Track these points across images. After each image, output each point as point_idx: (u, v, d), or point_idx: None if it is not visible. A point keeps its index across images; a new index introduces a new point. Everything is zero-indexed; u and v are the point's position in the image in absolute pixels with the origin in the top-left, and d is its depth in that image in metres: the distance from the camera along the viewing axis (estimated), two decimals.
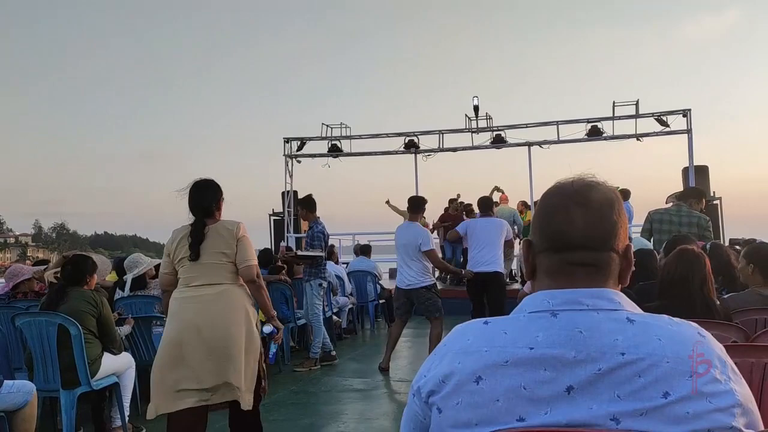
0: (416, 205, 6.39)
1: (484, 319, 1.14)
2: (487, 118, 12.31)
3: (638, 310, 1.09)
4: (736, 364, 1.83)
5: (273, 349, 4.02)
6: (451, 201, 11.96)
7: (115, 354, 4.27)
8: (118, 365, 4.32)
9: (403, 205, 12.29)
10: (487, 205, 6.93)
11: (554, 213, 1.13)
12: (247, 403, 3.14)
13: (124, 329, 4.61)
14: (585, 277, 1.10)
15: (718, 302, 2.79)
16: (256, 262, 3.28)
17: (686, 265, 2.74)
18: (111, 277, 8.01)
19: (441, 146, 12.62)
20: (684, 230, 5.09)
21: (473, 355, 1.07)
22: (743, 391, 0.99)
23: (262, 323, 3.51)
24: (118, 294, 5.50)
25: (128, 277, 5.36)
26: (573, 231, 1.10)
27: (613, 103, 11.53)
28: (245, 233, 3.28)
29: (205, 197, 3.28)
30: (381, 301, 9.94)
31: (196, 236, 3.19)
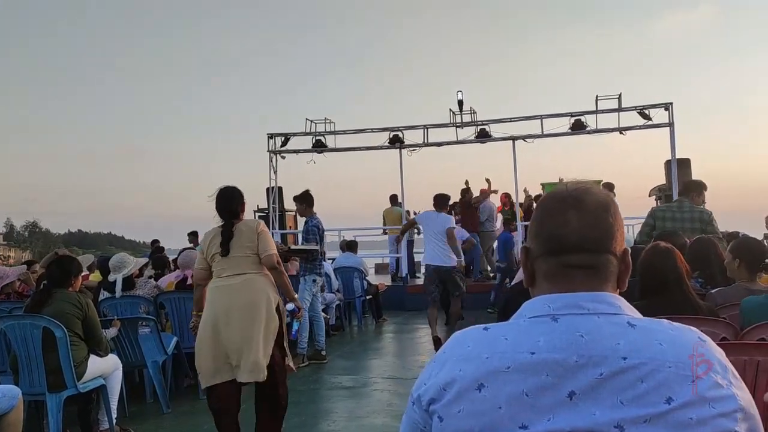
0: (443, 201, 7.42)
1: (483, 325, 1.14)
2: (471, 113, 12.31)
3: (638, 314, 1.09)
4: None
5: (295, 326, 4.82)
6: (464, 192, 12.11)
7: (101, 356, 4.23)
8: (105, 367, 4.28)
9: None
10: (440, 202, 7.40)
11: (550, 216, 1.13)
12: (259, 374, 3.63)
13: (111, 332, 4.56)
14: (584, 280, 1.10)
15: (696, 296, 2.80)
16: (275, 251, 3.84)
17: (659, 263, 2.76)
18: (95, 277, 7.93)
19: (426, 141, 12.59)
20: (687, 225, 5.10)
21: (474, 361, 1.06)
22: (744, 395, 1.00)
23: (285, 302, 4.09)
24: (103, 295, 5.44)
25: (117, 278, 5.30)
26: (569, 233, 1.10)
27: (596, 97, 11.56)
28: (264, 228, 3.88)
29: (231, 203, 3.88)
30: (368, 297, 9.93)
31: (225, 235, 3.77)
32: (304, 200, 6.60)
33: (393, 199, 13.34)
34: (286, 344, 3.92)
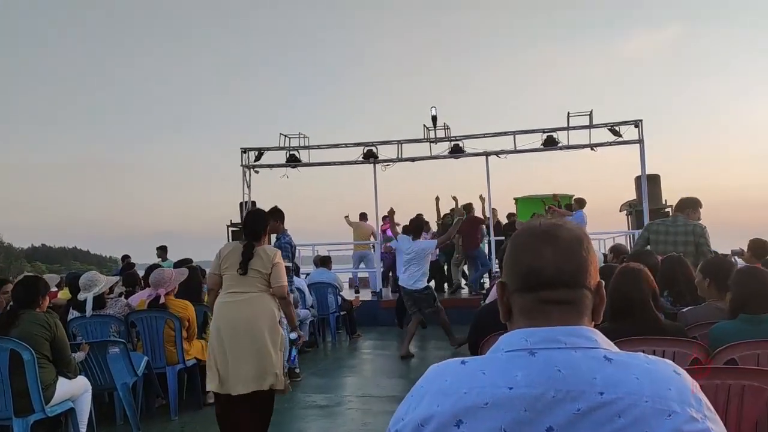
0: (419, 229, 7.92)
1: (460, 359, 1.14)
2: (445, 129, 12.39)
3: (614, 347, 1.11)
4: (701, 386, 1.87)
5: (294, 352, 5.41)
6: (468, 208, 11.95)
7: (70, 378, 4.13)
8: (74, 390, 4.18)
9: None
10: (416, 230, 7.87)
11: (524, 252, 1.15)
12: (274, 383, 3.97)
13: (79, 355, 4.46)
14: (560, 315, 1.11)
15: (660, 318, 2.83)
16: (286, 282, 4.13)
17: (625, 284, 2.79)
18: (64, 295, 7.77)
19: (400, 156, 12.65)
20: (680, 239, 5.25)
21: (452, 396, 1.06)
22: (718, 429, 1.01)
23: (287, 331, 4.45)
24: (73, 314, 5.33)
25: (88, 297, 5.19)
26: (544, 268, 1.11)
27: (568, 113, 11.74)
28: (280, 260, 4.14)
29: (256, 226, 4.19)
30: (342, 313, 9.87)
31: (246, 255, 4.04)
32: (276, 216, 6.52)
33: (362, 216, 13.32)
34: (281, 362, 4.14)
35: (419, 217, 8.92)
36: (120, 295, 6.40)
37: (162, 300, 5.29)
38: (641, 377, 1.02)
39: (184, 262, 6.93)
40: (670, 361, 1.09)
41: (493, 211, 12.66)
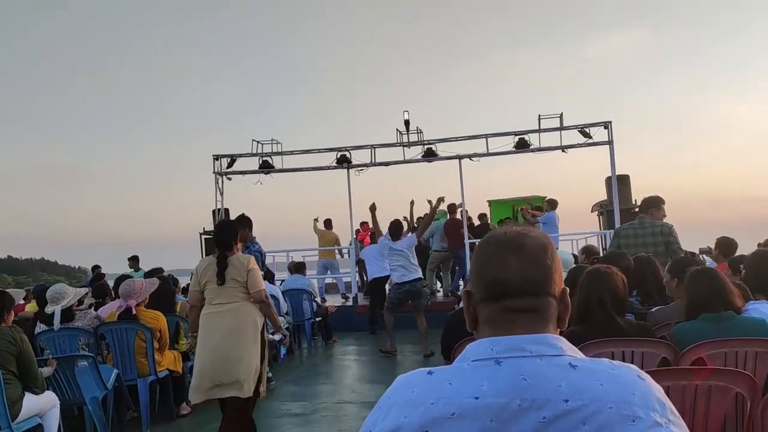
0: (398, 232, 8.37)
1: (427, 369, 1.14)
2: (418, 132, 12.40)
3: (579, 354, 1.11)
4: (667, 387, 1.89)
5: (283, 351, 5.74)
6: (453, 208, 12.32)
7: (37, 393, 4.04)
8: (41, 405, 4.09)
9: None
10: (397, 233, 8.35)
11: (489, 261, 1.15)
12: (246, 391, 4.08)
13: (46, 371, 4.36)
14: (526, 324, 1.12)
15: (623, 320, 2.86)
16: (263, 287, 4.32)
17: (592, 286, 2.82)
18: (31, 307, 7.61)
19: (373, 161, 12.64)
20: (649, 240, 5.30)
21: (419, 408, 1.06)
22: None
23: (271, 333, 4.67)
24: (40, 327, 5.21)
25: (56, 310, 5.07)
26: (510, 277, 1.12)
27: (539, 116, 11.83)
28: (254, 266, 4.32)
29: (226, 236, 4.35)
30: (318, 319, 9.82)
31: (221, 266, 4.23)
32: (245, 224, 6.43)
33: (327, 223, 13.26)
34: (264, 369, 4.38)
35: (396, 221, 9.02)
36: (90, 306, 6.28)
37: (133, 311, 5.20)
38: (606, 383, 1.03)
39: (155, 272, 6.84)
40: (634, 366, 1.10)
41: (465, 213, 12.71)
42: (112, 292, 6.74)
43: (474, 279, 1.18)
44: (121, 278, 6.04)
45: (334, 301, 12.37)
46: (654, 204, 5.57)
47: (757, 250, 3.49)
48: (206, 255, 14.26)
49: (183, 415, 5.48)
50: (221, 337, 4.11)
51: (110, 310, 5.54)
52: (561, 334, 1.16)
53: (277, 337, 4.74)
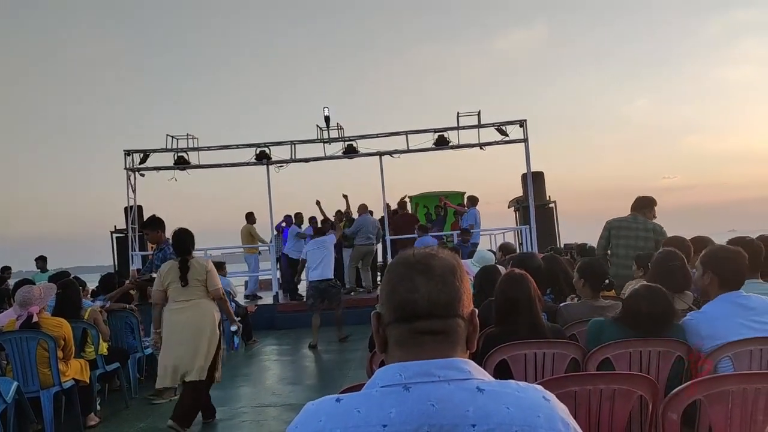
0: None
1: (336, 396, 1.11)
2: (338, 129, 12.37)
3: (488, 376, 1.11)
4: (575, 393, 1.93)
5: (237, 341, 7.09)
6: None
7: None
8: None
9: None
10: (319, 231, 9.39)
11: (398, 283, 1.14)
12: (203, 374, 4.84)
13: None
14: (434, 346, 1.11)
15: (542, 321, 2.93)
16: (220, 285, 5.06)
17: (510, 289, 2.89)
18: None
19: (293, 157, 12.50)
20: (641, 234, 5.42)
21: None
22: None
23: (227, 324, 5.40)
24: None
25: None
26: (418, 299, 1.11)
27: (458, 113, 12.05)
28: (212, 267, 5.06)
29: (186, 243, 5.03)
30: (238, 320, 9.59)
31: (183, 269, 4.89)
32: (157, 225, 6.16)
33: (249, 216, 13.05)
34: (219, 358, 5.08)
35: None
36: None
37: (35, 319, 4.90)
38: (512, 406, 1.03)
39: (61, 275, 6.48)
40: (540, 387, 1.11)
41: (387, 207, 12.85)
42: (12, 297, 6.34)
43: (383, 300, 1.17)
44: (21, 283, 5.69)
45: (267, 298, 12.25)
46: (647, 204, 5.68)
47: (663, 249, 3.66)
48: (117, 254, 13.92)
49: (91, 426, 5.23)
50: (185, 330, 4.81)
51: (8, 318, 5.19)
52: (480, 336, 1.16)
53: (233, 328, 5.39)
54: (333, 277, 9.01)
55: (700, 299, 3.32)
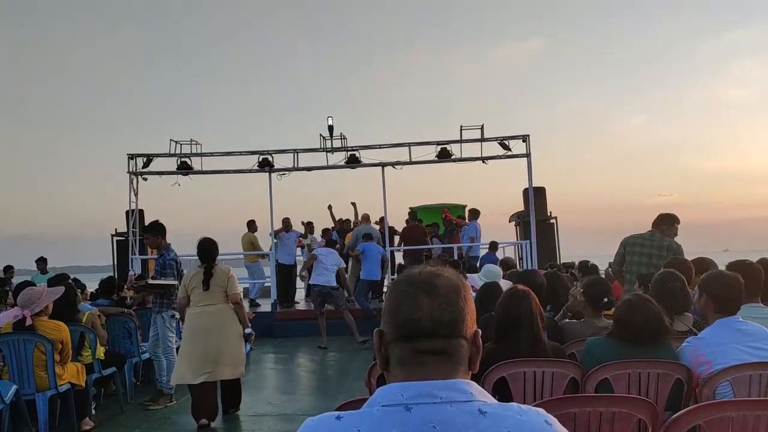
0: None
1: (337, 413, 1.11)
2: (341, 138, 12.38)
3: (490, 398, 1.11)
4: (574, 415, 1.92)
5: (248, 347, 6.90)
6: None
7: None
8: None
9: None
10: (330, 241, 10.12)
11: (402, 302, 1.14)
12: (239, 372, 5.45)
13: None
14: (436, 366, 1.11)
15: (544, 340, 2.93)
16: (239, 290, 5.56)
17: (511, 306, 2.88)
18: None
19: (296, 165, 12.51)
20: (654, 252, 5.25)
21: None
22: None
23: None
24: None
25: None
26: (421, 318, 1.11)
27: (461, 127, 12.07)
28: (233, 274, 5.48)
29: (211, 252, 5.46)
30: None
31: (207, 275, 5.31)
32: (158, 231, 6.17)
33: (250, 224, 13.06)
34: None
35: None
36: None
37: (29, 321, 4.88)
38: (513, 430, 1.03)
39: (60, 278, 6.46)
40: (542, 411, 1.11)
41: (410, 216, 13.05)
42: (13, 297, 6.32)
43: (386, 318, 1.16)
44: (23, 285, 5.68)
45: (265, 306, 12.23)
46: (666, 221, 5.53)
47: (663, 271, 3.65)
48: (118, 257, 13.89)
49: (85, 430, 5.19)
50: (212, 332, 5.22)
51: (6, 319, 5.18)
52: (483, 347, 1.16)
53: (247, 331, 5.88)
54: (337, 285, 9.47)
55: (700, 321, 3.32)
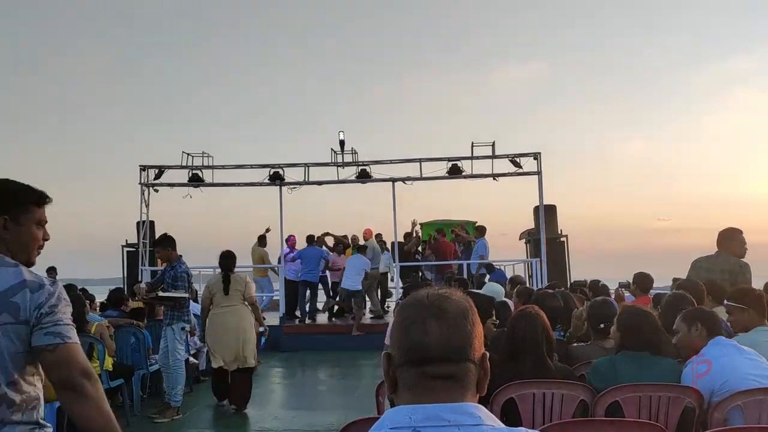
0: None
1: None
2: (352, 153, 12.43)
3: (498, 422, 1.10)
4: None
5: (263, 340, 7.86)
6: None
7: None
8: None
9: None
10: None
11: (410, 326, 1.14)
12: (251, 363, 6.33)
13: None
14: (444, 390, 1.11)
15: (551, 362, 2.92)
16: (254, 294, 6.62)
17: (522, 327, 2.87)
18: None
19: (306, 179, 12.56)
20: (716, 276, 4.88)
21: None
22: None
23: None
24: None
25: None
26: (430, 343, 1.11)
27: (472, 143, 12.07)
28: (249, 280, 6.61)
29: (229, 262, 6.43)
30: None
31: (226, 282, 6.28)
32: (168, 244, 6.20)
33: (261, 239, 13.09)
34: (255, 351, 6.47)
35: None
36: None
37: None
38: None
39: (68, 289, 6.48)
40: None
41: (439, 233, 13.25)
42: None
43: (394, 342, 1.16)
44: None
45: (271, 320, 12.22)
46: (727, 237, 5.12)
47: (674, 293, 3.63)
48: (128, 268, 13.97)
49: None
50: (233, 329, 6.15)
51: None
52: (492, 363, 1.16)
53: (261, 329, 6.85)
54: (361, 288, 11.08)
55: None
